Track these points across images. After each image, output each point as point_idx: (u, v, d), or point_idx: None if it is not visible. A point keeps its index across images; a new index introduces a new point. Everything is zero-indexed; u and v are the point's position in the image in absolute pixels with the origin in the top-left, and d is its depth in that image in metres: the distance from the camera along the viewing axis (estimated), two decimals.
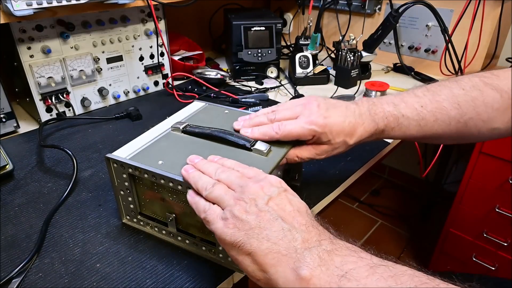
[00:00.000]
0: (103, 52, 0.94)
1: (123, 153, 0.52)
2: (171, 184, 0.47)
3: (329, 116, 0.51)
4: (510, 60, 1.23)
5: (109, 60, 0.96)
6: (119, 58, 0.97)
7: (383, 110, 0.53)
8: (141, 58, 1.02)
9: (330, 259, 0.33)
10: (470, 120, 0.52)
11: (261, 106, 0.95)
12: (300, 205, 0.39)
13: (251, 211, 0.37)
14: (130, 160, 0.50)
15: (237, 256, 0.37)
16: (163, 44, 1.03)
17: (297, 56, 1.13)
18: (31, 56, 0.81)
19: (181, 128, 0.57)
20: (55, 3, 0.74)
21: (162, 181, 0.47)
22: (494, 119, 0.52)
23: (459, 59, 1.08)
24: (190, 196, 0.44)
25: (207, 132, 0.54)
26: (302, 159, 0.54)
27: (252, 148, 0.51)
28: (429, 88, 0.54)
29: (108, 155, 0.51)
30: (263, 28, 1.11)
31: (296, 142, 0.54)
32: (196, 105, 0.66)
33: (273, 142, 0.52)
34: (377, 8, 1.26)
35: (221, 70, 1.21)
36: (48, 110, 0.88)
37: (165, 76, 1.09)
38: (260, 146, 0.51)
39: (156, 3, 0.95)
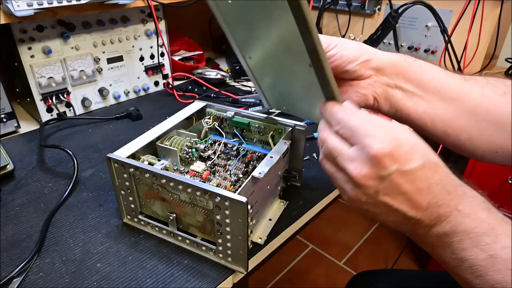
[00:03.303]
0: (103, 52, 0.94)
1: (124, 153, 0.52)
2: (171, 184, 0.47)
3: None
4: (509, 60, 1.23)
5: (110, 60, 0.96)
6: (120, 58, 0.98)
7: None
8: (142, 58, 1.02)
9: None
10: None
11: (261, 106, 0.96)
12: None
13: None
14: (131, 160, 0.50)
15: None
16: (163, 44, 1.03)
17: None
18: (32, 57, 0.82)
19: None
20: (55, 4, 0.74)
21: (163, 181, 0.48)
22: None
23: (459, 59, 1.08)
24: None
25: None
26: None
27: None
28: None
29: (109, 155, 0.51)
30: None
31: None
32: (196, 105, 0.67)
33: None
34: (376, 8, 1.26)
35: (221, 70, 1.21)
36: (49, 110, 0.89)
37: (165, 76, 1.09)
38: None
39: (156, 3, 0.95)
